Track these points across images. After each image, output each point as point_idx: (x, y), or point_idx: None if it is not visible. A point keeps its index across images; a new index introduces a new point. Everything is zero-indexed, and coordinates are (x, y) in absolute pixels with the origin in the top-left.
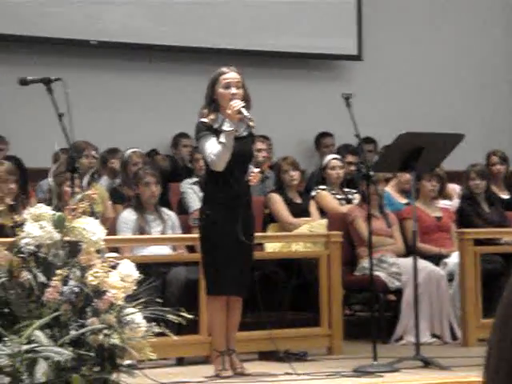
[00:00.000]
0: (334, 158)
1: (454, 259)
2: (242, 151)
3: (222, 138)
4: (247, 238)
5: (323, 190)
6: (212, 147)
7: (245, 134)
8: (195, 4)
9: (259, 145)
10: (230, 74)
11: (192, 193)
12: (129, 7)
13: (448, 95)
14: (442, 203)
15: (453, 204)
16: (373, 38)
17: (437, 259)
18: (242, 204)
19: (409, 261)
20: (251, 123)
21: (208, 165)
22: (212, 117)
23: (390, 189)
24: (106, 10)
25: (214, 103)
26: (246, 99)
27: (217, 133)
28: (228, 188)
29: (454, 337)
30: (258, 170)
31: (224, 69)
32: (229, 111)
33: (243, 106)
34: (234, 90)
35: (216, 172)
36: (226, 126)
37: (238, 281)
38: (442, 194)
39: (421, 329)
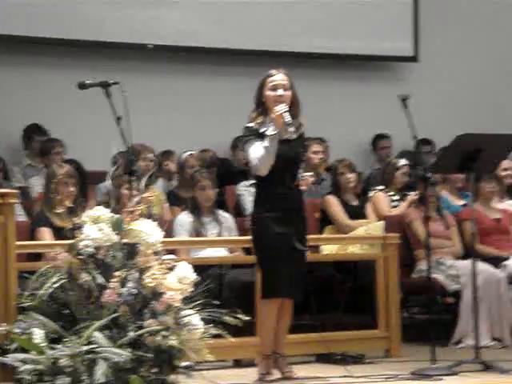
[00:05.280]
0: (405, 164)
1: None
2: (291, 154)
3: (265, 143)
4: (300, 242)
5: (381, 190)
6: (256, 152)
7: (294, 136)
8: (249, 7)
9: (315, 147)
10: (277, 76)
11: (248, 195)
12: (185, 11)
13: (506, 95)
14: (510, 203)
15: None
16: (429, 38)
17: (496, 261)
18: (292, 207)
19: (467, 263)
20: (291, 129)
21: (253, 169)
22: (259, 120)
23: (445, 191)
24: (162, 14)
25: (262, 106)
26: (294, 102)
27: (263, 137)
28: (276, 191)
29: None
30: (309, 173)
31: (272, 71)
32: (273, 115)
33: (288, 110)
34: (280, 92)
35: (264, 175)
36: (270, 130)
37: (291, 283)
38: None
39: (480, 332)
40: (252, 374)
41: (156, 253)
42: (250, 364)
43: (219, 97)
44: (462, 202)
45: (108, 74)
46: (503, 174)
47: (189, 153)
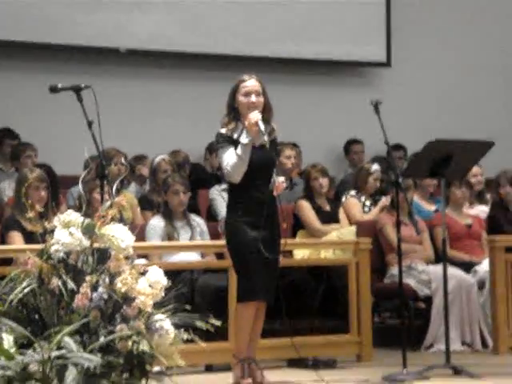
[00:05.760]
0: (377, 169)
1: (484, 267)
2: (264, 159)
3: (239, 150)
4: (273, 247)
5: (353, 195)
6: (228, 159)
7: (267, 141)
8: (222, 12)
9: (288, 152)
10: (250, 82)
11: (221, 200)
12: (158, 15)
13: (478, 101)
14: (480, 209)
15: (486, 210)
16: (402, 44)
17: (467, 267)
18: (264, 212)
19: (439, 268)
20: (265, 138)
21: (225, 175)
22: (232, 126)
23: (417, 196)
24: (134, 19)
25: (234, 111)
26: (266, 107)
27: (236, 143)
28: (250, 196)
29: (484, 345)
30: (282, 179)
31: (244, 76)
32: (246, 123)
33: (261, 119)
34: (253, 99)
35: (237, 181)
36: (243, 138)
37: (266, 286)
38: (482, 199)
39: (451, 337)
40: (224, 379)
41: (127, 257)
42: (221, 369)
43: (192, 101)
44: (433, 208)
45: (80, 77)
46: (473, 180)
47: (161, 157)
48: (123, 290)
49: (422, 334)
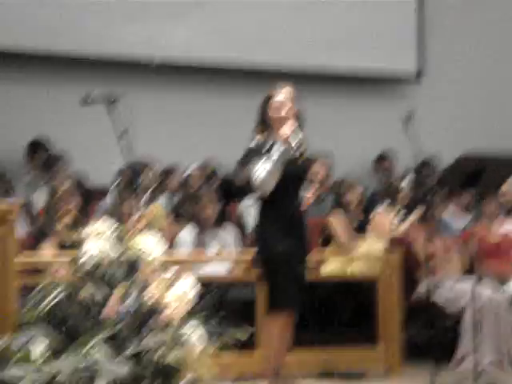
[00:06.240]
0: (409, 183)
1: None
2: (294, 172)
3: (270, 164)
4: (301, 259)
5: (384, 208)
6: (258, 172)
7: (297, 154)
8: (255, 26)
9: (319, 165)
10: (280, 97)
11: (251, 212)
12: (190, 28)
13: (508, 115)
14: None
15: None
16: (434, 57)
17: (497, 283)
18: (294, 225)
19: (468, 285)
20: (296, 153)
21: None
22: (263, 138)
23: (449, 211)
24: (167, 31)
25: (265, 123)
26: (297, 117)
27: (267, 156)
28: (279, 208)
29: None
30: (312, 191)
31: (275, 90)
32: (278, 137)
33: (294, 134)
34: (283, 114)
35: (267, 193)
36: (274, 152)
37: (294, 298)
38: None
39: (480, 354)
40: None
41: (157, 269)
42: (250, 380)
43: (223, 114)
44: (464, 223)
45: (113, 90)
46: (504, 197)
47: (192, 169)
48: (152, 301)
49: (452, 350)
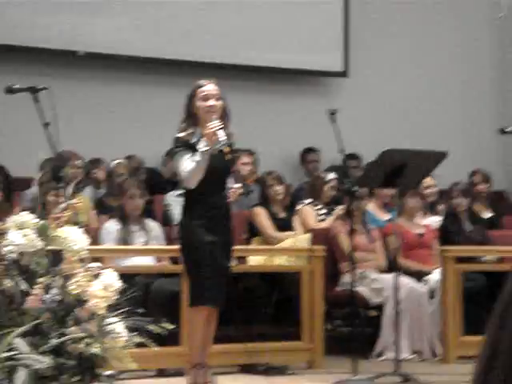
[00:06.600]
0: (333, 178)
1: (435, 276)
2: (220, 165)
3: (197, 157)
4: (226, 252)
5: (308, 203)
6: (185, 164)
7: (224, 148)
8: (183, 18)
9: (244, 159)
10: (208, 86)
11: (176, 205)
12: (118, 18)
13: (433, 113)
14: (433, 220)
15: (439, 220)
16: (359, 54)
17: (418, 276)
18: (219, 218)
19: (390, 277)
20: (223, 145)
21: (181, 180)
22: (190, 131)
23: (371, 205)
24: (93, 22)
25: (192, 116)
26: (224, 112)
27: (193, 148)
28: (205, 201)
29: (434, 354)
30: (238, 185)
31: (202, 81)
32: (206, 131)
33: (221, 127)
34: (211, 102)
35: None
36: (202, 145)
37: (218, 292)
38: (434, 210)
39: (401, 345)
40: (176, 383)
41: (81, 260)
42: (173, 374)
43: (150, 106)
44: (387, 217)
45: (37, 79)
46: (426, 191)
47: (117, 161)
48: (76, 292)
49: (373, 341)
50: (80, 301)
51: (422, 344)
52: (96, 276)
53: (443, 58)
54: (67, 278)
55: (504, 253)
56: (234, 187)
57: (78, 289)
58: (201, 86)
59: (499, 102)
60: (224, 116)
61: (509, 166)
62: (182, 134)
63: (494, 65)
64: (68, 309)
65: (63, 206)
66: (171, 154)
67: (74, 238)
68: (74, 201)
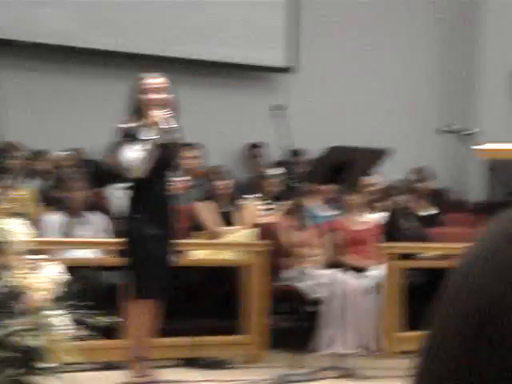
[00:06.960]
0: (277, 174)
1: (376, 272)
2: (165, 158)
3: (140, 147)
4: (168, 245)
5: (253, 198)
6: (129, 154)
7: (168, 141)
8: (127, 9)
9: (191, 152)
10: (151, 80)
11: (120, 197)
12: (61, 9)
13: (376, 111)
14: (375, 216)
15: (381, 217)
16: (306, 50)
17: (359, 272)
18: (163, 211)
19: (330, 272)
20: (167, 136)
21: (126, 171)
22: (134, 122)
23: (314, 201)
24: (40, 12)
25: (136, 108)
26: (170, 105)
27: (138, 139)
28: (150, 194)
29: (375, 348)
30: (183, 178)
31: (146, 74)
32: (151, 120)
33: (167, 116)
34: (155, 95)
35: (138, 178)
36: (147, 135)
37: (162, 285)
38: (378, 207)
39: (341, 340)
40: (121, 376)
41: (23, 252)
42: (118, 367)
43: (95, 99)
44: (330, 213)
45: None
46: (370, 188)
47: (62, 153)
48: (17, 284)
49: (312, 336)
50: (21, 293)
51: (362, 339)
52: (39, 268)
53: (389, 56)
54: (8, 269)
55: (443, 250)
56: (178, 180)
57: (19, 281)
58: (145, 79)
59: (442, 100)
60: (171, 109)
61: (451, 163)
62: (125, 126)
63: (439, 64)
64: (8, 301)
65: (6, 196)
66: (115, 145)
67: (15, 230)
68: (17, 192)
